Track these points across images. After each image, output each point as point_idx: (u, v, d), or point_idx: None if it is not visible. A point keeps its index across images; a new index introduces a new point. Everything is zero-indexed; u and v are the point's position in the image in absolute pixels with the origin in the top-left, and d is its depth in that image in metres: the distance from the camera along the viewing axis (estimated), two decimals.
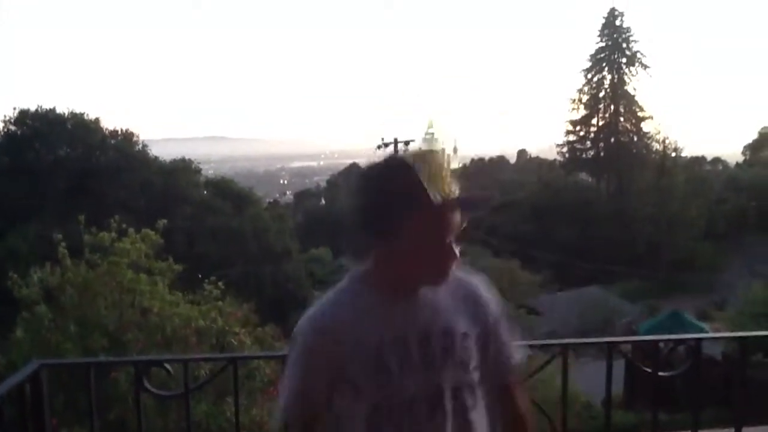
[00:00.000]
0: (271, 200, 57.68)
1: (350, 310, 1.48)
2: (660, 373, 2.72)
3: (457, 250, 1.47)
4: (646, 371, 2.74)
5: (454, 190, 1.44)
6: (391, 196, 1.40)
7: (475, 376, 1.51)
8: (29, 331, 6.97)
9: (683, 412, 3.16)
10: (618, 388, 11.95)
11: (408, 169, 1.41)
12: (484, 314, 1.55)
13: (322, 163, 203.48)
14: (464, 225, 1.48)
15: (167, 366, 2.67)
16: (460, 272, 1.54)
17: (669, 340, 2.92)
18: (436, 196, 1.39)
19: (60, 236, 7.43)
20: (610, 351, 2.78)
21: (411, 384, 1.45)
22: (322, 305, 1.52)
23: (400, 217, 1.40)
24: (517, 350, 1.60)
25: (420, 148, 1.53)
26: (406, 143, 30.77)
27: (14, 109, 33.53)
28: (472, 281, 1.59)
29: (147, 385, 2.64)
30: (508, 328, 1.59)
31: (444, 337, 1.48)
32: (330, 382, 1.47)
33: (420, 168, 1.40)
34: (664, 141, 44.05)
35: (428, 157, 1.45)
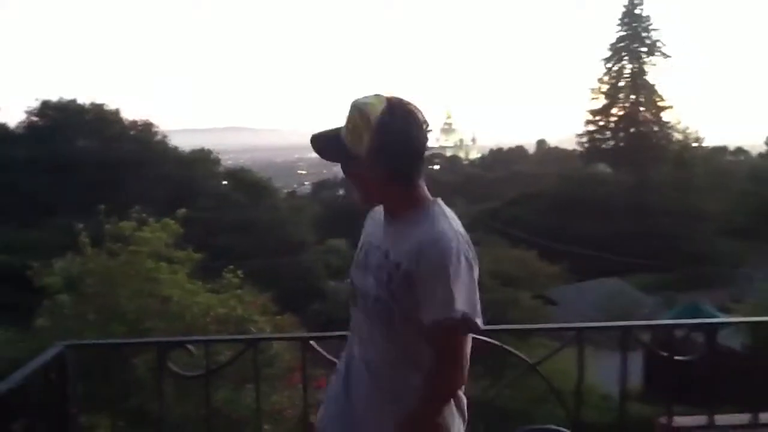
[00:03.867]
0: (290, 191, 57.85)
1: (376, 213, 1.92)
2: (676, 357, 2.72)
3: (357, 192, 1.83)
4: (662, 355, 2.74)
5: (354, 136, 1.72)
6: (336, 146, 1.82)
7: (388, 297, 1.73)
8: (51, 319, 7.09)
9: (701, 405, 3.15)
10: (636, 381, 11.88)
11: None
12: (424, 257, 1.68)
13: None
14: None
15: (189, 347, 2.71)
16: (433, 217, 1.74)
17: (684, 325, 2.92)
18: (348, 146, 1.73)
19: (81, 226, 7.52)
20: (624, 335, 2.78)
21: (355, 276, 1.88)
22: None
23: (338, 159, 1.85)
24: (433, 310, 1.67)
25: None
26: None
27: (36, 100, 33.87)
28: (432, 228, 1.72)
29: (170, 364, 2.68)
30: (441, 284, 1.66)
31: (377, 250, 1.81)
32: None
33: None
34: (684, 131, 43.60)
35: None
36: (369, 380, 1.81)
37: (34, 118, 33.64)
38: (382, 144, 1.68)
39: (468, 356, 1.75)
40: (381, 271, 1.76)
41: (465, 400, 1.87)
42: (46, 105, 33.65)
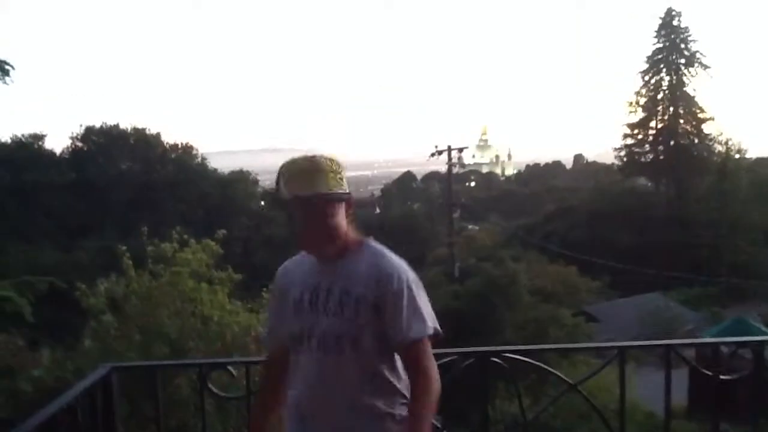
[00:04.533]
0: None
1: (295, 264, 2.13)
2: (722, 377, 2.67)
3: (312, 234, 1.98)
4: (707, 374, 2.68)
5: (300, 188, 1.92)
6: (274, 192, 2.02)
7: (354, 328, 1.94)
8: (96, 340, 7.22)
9: (747, 424, 3.07)
10: (681, 398, 11.61)
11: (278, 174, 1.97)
12: (385, 286, 1.94)
13: (376, 172, 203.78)
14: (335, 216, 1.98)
15: (230, 368, 2.74)
16: (378, 251, 2.03)
17: (731, 343, 2.86)
18: (283, 194, 1.94)
19: (124, 248, 7.67)
20: (668, 354, 2.74)
21: (301, 321, 2.00)
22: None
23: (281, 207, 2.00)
24: (405, 327, 1.93)
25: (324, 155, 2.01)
26: (460, 150, 30.78)
27: (81, 125, 34.80)
28: (380, 259, 2.00)
29: (210, 386, 2.71)
30: (406, 306, 1.94)
31: (329, 293, 1.98)
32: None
33: (283, 171, 1.96)
34: (726, 143, 42.70)
35: (292, 162, 1.99)
36: (341, 409, 1.98)
37: (79, 144, 34.55)
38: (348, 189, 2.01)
39: None
40: (344, 308, 1.96)
41: None
42: (89, 130, 34.55)
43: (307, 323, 1.99)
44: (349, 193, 2.02)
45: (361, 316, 1.94)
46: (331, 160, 1.99)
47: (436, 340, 1.99)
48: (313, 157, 1.98)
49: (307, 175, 1.94)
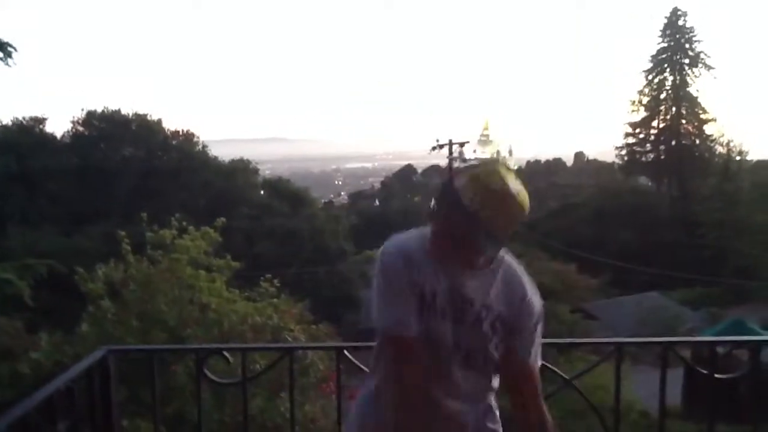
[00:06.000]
0: (326, 201, 58.19)
1: (418, 242, 1.87)
2: (717, 375, 2.67)
3: (484, 251, 1.80)
4: (703, 373, 2.68)
5: (491, 211, 1.73)
6: (444, 195, 1.80)
7: (492, 347, 1.86)
8: (94, 325, 7.24)
9: (744, 424, 3.07)
10: (676, 397, 11.63)
11: (458, 182, 1.78)
12: (521, 306, 1.88)
13: (376, 164, 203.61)
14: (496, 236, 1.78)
15: (226, 354, 2.75)
16: (517, 267, 1.93)
17: (727, 342, 2.86)
18: (469, 208, 1.72)
19: (123, 233, 7.68)
20: (665, 352, 2.74)
21: (444, 329, 1.83)
22: (394, 237, 1.93)
23: (444, 209, 1.78)
24: (536, 353, 1.93)
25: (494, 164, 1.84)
26: (461, 144, 30.73)
27: (82, 110, 34.72)
28: (521, 278, 1.92)
29: (207, 372, 2.72)
30: (538, 332, 1.92)
31: (472, 307, 1.84)
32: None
33: (463, 182, 1.76)
34: (728, 144, 42.64)
35: (487, 172, 1.79)
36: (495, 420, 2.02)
37: (80, 128, 34.49)
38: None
39: None
40: (485, 324, 1.86)
41: None
42: (91, 115, 34.47)
43: (450, 331, 1.84)
44: None
45: (498, 336, 1.87)
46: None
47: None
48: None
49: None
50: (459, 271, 1.83)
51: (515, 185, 1.78)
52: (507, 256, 1.92)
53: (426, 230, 1.86)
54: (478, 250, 1.78)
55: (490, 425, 1.99)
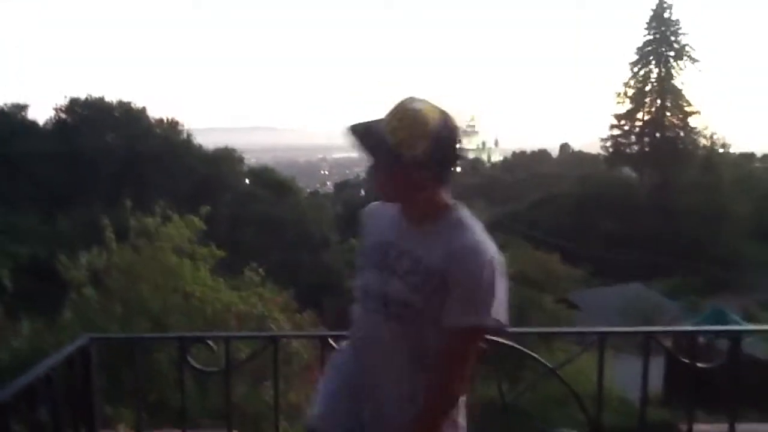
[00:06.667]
0: (312, 190, 58.03)
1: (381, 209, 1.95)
2: (698, 364, 2.70)
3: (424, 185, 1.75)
4: (684, 362, 2.72)
5: (406, 131, 1.69)
6: (374, 145, 1.77)
7: (415, 298, 1.76)
8: (77, 313, 7.18)
9: (723, 412, 3.11)
10: (657, 385, 11.75)
11: (380, 125, 1.75)
12: (455, 265, 1.72)
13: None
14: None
15: (210, 342, 2.74)
16: (464, 232, 1.77)
17: (708, 332, 2.90)
18: (390, 141, 1.70)
19: (107, 220, 7.61)
20: (647, 341, 2.77)
21: (370, 277, 1.86)
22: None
23: (379, 160, 1.80)
24: (460, 315, 1.72)
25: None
26: None
27: (65, 97, 34.36)
28: (466, 242, 1.75)
29: (190, 360, 2.71)
30: (465, 295, 1.71)
31: (406, 257, 1.79)
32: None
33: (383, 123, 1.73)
34: (711, 136, 43.03)
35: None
36: (392, 381, 1.83)
37: (63, 115, 34.15)
38: (436, 151, 1.71)
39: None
40: (413, 276, 1.77)
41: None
42: (74, 102, 34.14)
43: (376, 281, 1.85)
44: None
45: (428, 289, 1.74)
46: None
47: (497, 334, 1.92)
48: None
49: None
50: (410, 223, 1.83)
51: (422, 104, 1.72)
52: (463, 211, 1.82)
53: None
54: (417, 186, 1.75)
55: (376, 379, 1.88)
